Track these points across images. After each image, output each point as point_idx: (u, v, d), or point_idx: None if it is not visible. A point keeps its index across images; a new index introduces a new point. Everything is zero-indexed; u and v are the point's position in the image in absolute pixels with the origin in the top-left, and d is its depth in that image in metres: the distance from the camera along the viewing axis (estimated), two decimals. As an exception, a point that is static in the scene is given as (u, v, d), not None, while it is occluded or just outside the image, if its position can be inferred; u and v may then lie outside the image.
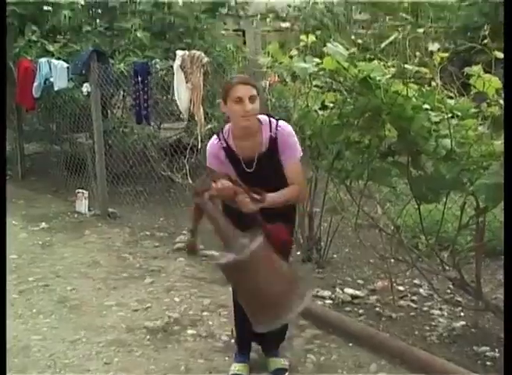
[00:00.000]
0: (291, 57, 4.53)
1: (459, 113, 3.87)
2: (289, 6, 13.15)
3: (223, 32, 10.29)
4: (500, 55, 3.59)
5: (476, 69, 3.40)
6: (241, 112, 3.42)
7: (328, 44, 3.89)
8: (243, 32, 11.52)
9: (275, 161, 3.61)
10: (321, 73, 4.26)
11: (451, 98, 3.88)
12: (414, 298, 5.24)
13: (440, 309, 5.00)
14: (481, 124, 3.74)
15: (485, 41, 3.80)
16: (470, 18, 16.99)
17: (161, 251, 6.51)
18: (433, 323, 4.74)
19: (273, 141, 3.59)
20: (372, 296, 5.23)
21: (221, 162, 3.61)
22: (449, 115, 3.65)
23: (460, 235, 4.69)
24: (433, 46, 3.40)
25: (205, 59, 5.16)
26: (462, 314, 4.91)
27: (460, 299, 5.10)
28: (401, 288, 5.40)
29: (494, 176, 3.38)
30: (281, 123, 3.65)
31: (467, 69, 3.42)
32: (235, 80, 3.52)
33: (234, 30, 10.41)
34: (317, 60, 4.18)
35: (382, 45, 3.82)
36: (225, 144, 3.61)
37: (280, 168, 3.62)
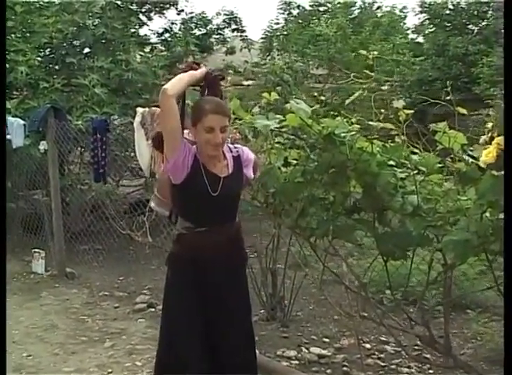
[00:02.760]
0: (253, 114, 4.50)
1: (424, 169, 3.87)
2: (247, 62, 13.28)
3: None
4: (463, 110, 3.64)
5: (441, 125, 3.39)
6: (211, 143, 3.35)
7: (292, 101, 3.85)
8: (201, 87, 11.55)
9: (240, 180, 3.63)
10: (283, 129, 4.23)
11: (415, 153, 3.87)
12: (382, 355, 5.16)
13: (409, 367, 4.93)
14: (446, 180, 3.74)
15: (448, 97, 3.84)
16: (424, 72, 17.45)
17: (121, 312, 6.32)
18: (402, 383, 4.66)
19: (237, 159, 3.63)
20: (339, 355, 5.13)
21: (183, 164, 3.39)
22: (415, 171, 3.62)
23: (427, 291, 4.65)
24: (398, 103, 3.38)
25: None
26: (431, 371, 4.84)
27: (428, 356, 5.02)
28: (368, 346, 5.31)
29: (462, 232, 3.35)
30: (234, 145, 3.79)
31: (432, 126, 3.41)
32: (208, 106, 3.36)
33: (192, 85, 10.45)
34: (279, 117, 4.16)
35: (347, 102, 3.79)
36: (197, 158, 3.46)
37: (241, 188, 3.74)
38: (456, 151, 3.52)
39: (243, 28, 14.32)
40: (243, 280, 3.75)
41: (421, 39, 20.62)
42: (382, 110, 3.48)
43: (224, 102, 3.59)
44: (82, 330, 5.83)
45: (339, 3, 19.02)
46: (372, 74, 3.63)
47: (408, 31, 20.97)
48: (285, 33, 16.82)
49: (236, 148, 3.69)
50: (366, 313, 4.86)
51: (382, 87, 3.51)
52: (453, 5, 20.01)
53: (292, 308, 5.88)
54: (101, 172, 7.39)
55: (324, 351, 5.15)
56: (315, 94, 4.80)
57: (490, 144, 2.74)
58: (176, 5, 12.74)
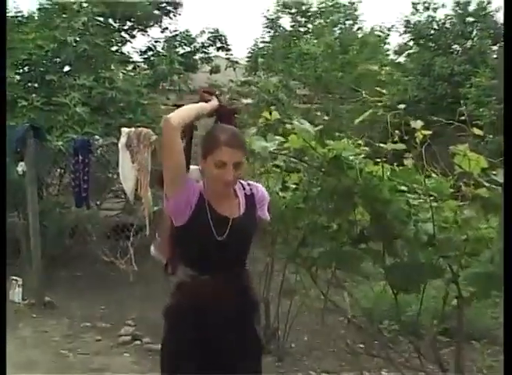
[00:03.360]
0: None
1: (436, 194, 3.59)
2: (232, 81, 13.04)
3: (163, 107, 10.01)
4: (479, 131, 3.36)
5: (462, 148, 3.11)
6: (222, 179, 2.89)
7: (295, 122, 3.57)
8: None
9: (252, 222, 3.14)
10: (283, 152, 3.95)
11: (428, 177, 3.60)
12: (383, 391, 4.85)
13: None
14: (462, 206, 3.45)
15: (463, 118, 3.58)
16: (408, 92, 17.31)
17: (104, 346, 5.91)
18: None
19: (250, 198, 3.15)
20: (341, 392, 4.82)
21: (186, 204, 2.95)
22: (431, 197, 3.33)
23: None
24: (416, 123, 3.11)
25: (153, 137, 4.78)
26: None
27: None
28: (366, 380, 5.00)
29: (485, 264, 3.07)
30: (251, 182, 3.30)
31: (452, 148, 3.13)
32: (223, 137, 2.89)
33: (177, 105, 10.18)
34: (279, 138, 3.86)
35: (356, 121, 3.50)
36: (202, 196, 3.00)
37: (254, 232, 3.20)
38: (476, 175, 3.25)
39: (228, 46, 14.10)
40: (252, 335, 3.24)
41: (403, 59, 20.53)
42: (397, 131, 3.20)
43: (241, 134, 3.10)
44: (62, 366, 5.43)
45: (319, 23, 18.93)
46: (384, 91, 3.36)
47: (389, 52, 20.87)
48: (270, 51, 16.61)
49: (249, 184, 3.20)
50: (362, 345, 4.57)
51: (399, 106, 3.22)
52: (438, 26, 20.00)
53: (287, 340, 5.56)
54: (83, 196, 7.03)
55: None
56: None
57: None
58: (160, 22, 12.48)
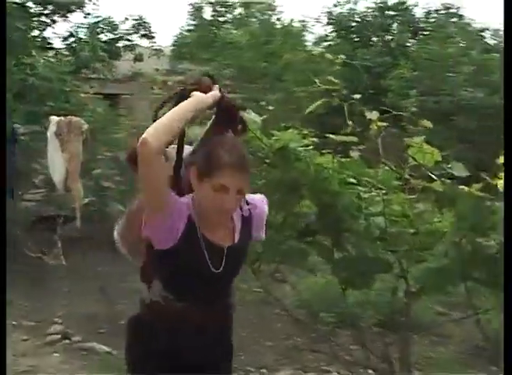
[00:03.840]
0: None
1: (383, 187, 3.49)
2: (157, 70, 12.76)
3: (83, 95, 9.65)
4: (428, 123, 3.28)
5: (418, 140, 3.01)
6: (220, 208, 2.32)
7: (242, 111, 3.38)
8: (107, 95, 10.94)
9: (247, 248, 2.62)
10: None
11: (376, 169, 3.50)
12: (325, 386, 4.76)
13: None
14: (409, 199, 3.36)
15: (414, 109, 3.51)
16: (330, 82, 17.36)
17: (32, 346, 5.59)
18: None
19: (247, 221, 2.56)
20: (281, 388, 4.69)
21: (171, 231, 2.36)
22: (381, 190, 3.22)
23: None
24: (372, 114, 2.98)
25: (85, 126, 4.52)
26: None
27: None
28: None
29: (439, 259, 2.98)
30: (250, 195, 2.61)
31: (406, 140, 3.03)
32: (227, 157, 2.28)
33: (105, 94, 9.85)
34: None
35: (308, 111, 3.34)
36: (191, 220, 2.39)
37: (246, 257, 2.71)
38: (430, 167, 3.17)
39: (152, 34, 13.77)
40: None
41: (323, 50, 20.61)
42: (350, 122, 3.07)
43: (246, 150, 2.47)
44: (-13, 368, 5.11)
45: (239, 14, 18.82)
46: (336, 81, 3.23)
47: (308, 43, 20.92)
48: (194, 40, 16.33)
49: (248, 203, 2.55)
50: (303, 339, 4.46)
51: (355, 96, 3.09)
52: (360, 18, 20.19)
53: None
54: (9, 188, 6.65)
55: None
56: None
57: None
58: (83, 7, 12.04)
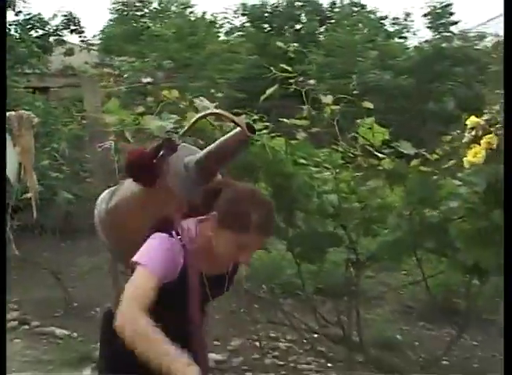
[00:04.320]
0: (140, 114, 3.84)
1: (329, 166, 3.41)
2: (87, 63, 12.33)
3: (21, 89, 9.20)
4: (369, 104, 3.20)
5: (369, 121, 2.93)
6: (236, 261, 2.10)
7: (196, 99, 3.23)
8: (41, 89, 10.47)
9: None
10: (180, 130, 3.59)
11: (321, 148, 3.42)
12: (276, 353, 4.67)
13: (307, 363, 4.48)
14: (356, 177, 3.29)
15: (355, 92, 3.43)
16: (251, 70, 17.25)
17: (-9, 334, 5.30)
18: (309, 381, 4.21)
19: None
20: (235, 358, 4.56)
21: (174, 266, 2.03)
22: (337, 169, 3.14)
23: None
24: (326, 98, 2.88)
25: (35, 119, 4.26)
26: (329, 365, 4.42)
27: (322, 349, 4.60)
28: (258, 344, 4.79)
29: (394, 232, 2.92)
30: None
31: (359, 121, 2.94)
32: (257, 218, 1.92)
33: (41, 88, 9.42)
34: (174, 116, 3.52)
35: (262, 98, 3.21)
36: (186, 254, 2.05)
37: None
38: (377, 146, 3.09)
39: (82, 29, 13.28)
40: None
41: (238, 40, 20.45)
42: (305, 106, 2.95)
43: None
44: None
45: (155, 8, 18.44)
46: (289, 69, 3.10)
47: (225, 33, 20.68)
48: (119, 34, 15.85)
49: None
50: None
51: (309, 81, 2.98)
52: (271, 9, 20.12)
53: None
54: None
55: (219, 357, 4.55)
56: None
57: (476, 143, 2.27)
58: (14, 6, 11.46)
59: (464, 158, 2.35)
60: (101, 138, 4.13)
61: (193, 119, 2.18)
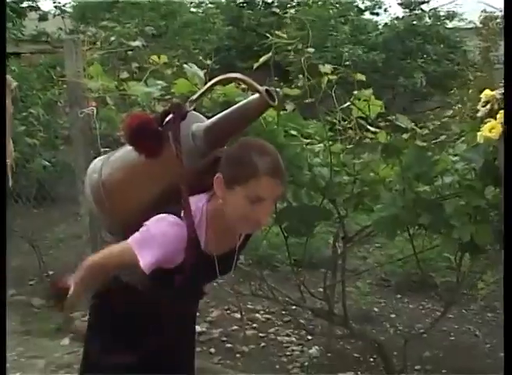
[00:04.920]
0: (123, 80, 3.63)
1: (317, 138, 3.26)
2: (61, 29, 11.92)
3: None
4: (362, 76, 3.05)
5: (367, 93, 2.77)
6: (255, 220, 1.81)
7: (185, 65, 3.03)
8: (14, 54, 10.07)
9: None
10: (167, 97, 3.40)
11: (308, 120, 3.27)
12: (255, 325, 4.55)
13: (287, 335, 4.37)
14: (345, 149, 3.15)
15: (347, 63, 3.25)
16: (221, 41, 16.93)
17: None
18: (287, 353, 4.09)
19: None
20: (215, 329, 4.43)
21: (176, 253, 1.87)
22: (330, 141, 2.98)
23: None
24: (325, 68, 2.71)
25: (14, 83, 4.01)
26: (309, 337, 4.32)
27: (302, 321, 4.49)
28: (238, 316, 4.66)
29: (389, 207, 2.78)
30: None
31: (355, 93, 2.78)
32: (262, 163, 1.77)
33: (12, 54, 9.01)
34: (160, 82, 3.32)
35: (256, 66, 3.02)
36: (192, 234, 1.85)
37: None
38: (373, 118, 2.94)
39: (56, -6, 12.78)
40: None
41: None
42: (300, 75, 2.78)
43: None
44: None
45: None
46: (285, 35, 2.92)
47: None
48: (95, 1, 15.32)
49: None
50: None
51: (308, 50, 2.80)
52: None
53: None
54: None
55: (198, 328, 4.40)
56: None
57: (492, 117, 2.12)
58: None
59: (479, 133, 2.21)
60: (81, 104, 3.93)
61: (209, 84, 1.96)
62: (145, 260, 1.83)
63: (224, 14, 18.39)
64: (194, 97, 1.94)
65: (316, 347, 4.11)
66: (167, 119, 1.90)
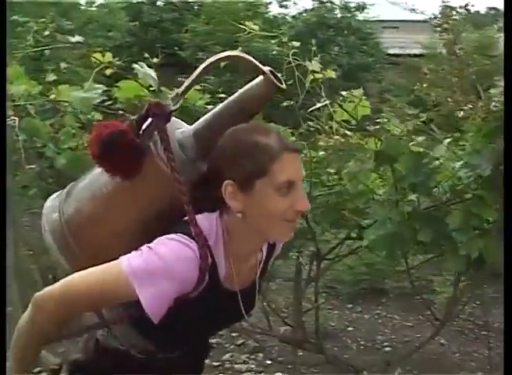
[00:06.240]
0: (49, 83, 3.11)
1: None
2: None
3: None
4: (332, 73, 2.70)
5: (357, 93, 2.40)
6: (295, 211, 1.35)
7: (135, 65, 2.54)
8: None
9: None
10: (107, 103, 2.92)
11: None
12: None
13: (244, 362, 3.99)
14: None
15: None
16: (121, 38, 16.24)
17: None
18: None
19: (270, 250, 1.57)
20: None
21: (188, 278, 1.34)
22: (310, 151, 2.60)
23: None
24: (314, 65, 2.32)
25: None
26: (269, 362, 3.96)
27: (256, 344, 4.13)
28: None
29: (384, 224, 2.42)
30: None
31: (346, 93, 2.42)
32: (275, 140, 1.34)
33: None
34: (100, 86, 2.81)
35: (206, 63, 2.57)
36: (209, 260, 1.35)
37: None
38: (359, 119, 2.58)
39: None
40: None
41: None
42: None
43: None
44: None
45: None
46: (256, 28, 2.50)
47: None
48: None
49: None
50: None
51: (293, 43, 2.39)
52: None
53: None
54: None
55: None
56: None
57: None
58: None
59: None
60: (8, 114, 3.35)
61: (203, 66, 1.43)
62: (151, 301, 1.30)
63: (126, 10, 17.76)
64: (181, 89, 1.42)
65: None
66: (144, 125, 1.41)
